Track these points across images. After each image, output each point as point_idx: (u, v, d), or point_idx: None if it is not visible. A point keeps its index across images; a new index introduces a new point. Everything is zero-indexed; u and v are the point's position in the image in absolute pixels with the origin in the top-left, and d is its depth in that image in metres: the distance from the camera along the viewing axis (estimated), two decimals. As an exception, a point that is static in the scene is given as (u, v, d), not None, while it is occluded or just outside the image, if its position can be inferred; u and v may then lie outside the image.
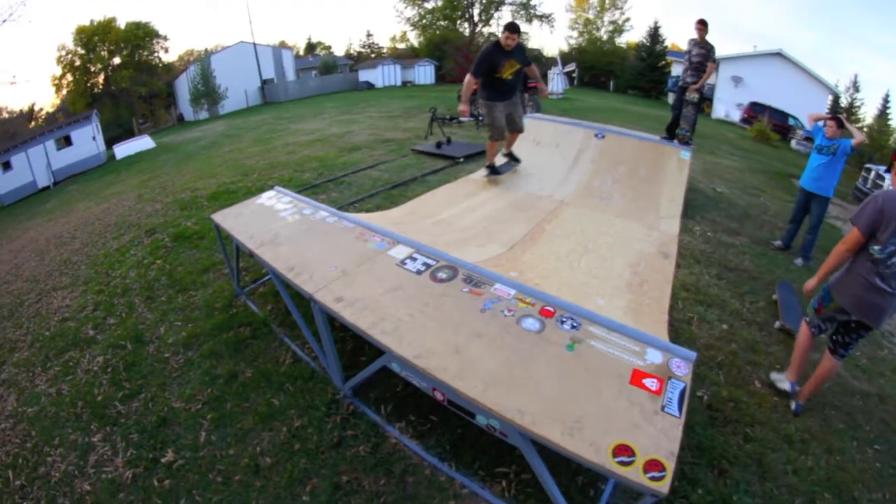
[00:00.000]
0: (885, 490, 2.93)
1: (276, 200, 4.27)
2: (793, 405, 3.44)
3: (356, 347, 3.60)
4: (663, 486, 1.68)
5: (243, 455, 2.85)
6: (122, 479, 2.77)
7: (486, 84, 5.63)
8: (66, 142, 20.96)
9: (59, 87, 36.69)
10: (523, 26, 44.20)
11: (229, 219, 4.05)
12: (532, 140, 6.67)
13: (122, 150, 20.45)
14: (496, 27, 45.04)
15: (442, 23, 46.04)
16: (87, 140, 21.66)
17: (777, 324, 4.37)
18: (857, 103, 42.95)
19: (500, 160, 6.29)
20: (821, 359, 3.44)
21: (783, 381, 3.58)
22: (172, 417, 3.18)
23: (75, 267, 6.02)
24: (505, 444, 2.29)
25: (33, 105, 41.33)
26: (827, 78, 28.41)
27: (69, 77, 35.77)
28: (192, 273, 5.03)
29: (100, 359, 3.87)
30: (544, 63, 35.00)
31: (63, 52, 35.12)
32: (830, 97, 29.49)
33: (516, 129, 6.12)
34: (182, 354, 3.80)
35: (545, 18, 44.41)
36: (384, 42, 62.25)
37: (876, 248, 2.81)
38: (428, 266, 3.01)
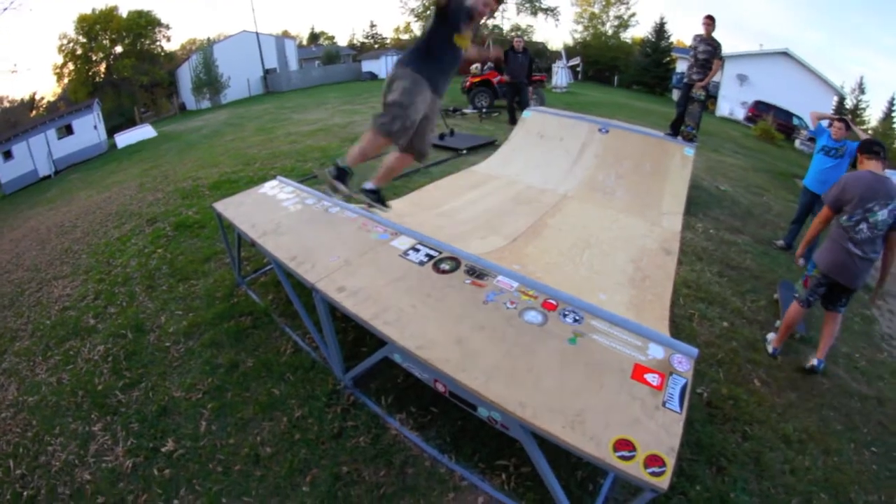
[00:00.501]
0: (881, 492, 2.94)
1: (278, 190, 4.26)
2: (815, 361, 3.83)
3: (357, 338, 3.59)
4: (663, 482, 1.68)
5: (243, 445, 2.86)
6: (122, 468, 2.78)
7: (429, 42, 3.51)
8: (68, 131, 21.02)
9: (60, 76, 36.64)
10: (528, 20, 43.78)
11: (231, 208, 4.03)
12: (536, 133, 6.66)
13: (124, 138, 20.40)
14: (500, 20, 44.75)
15: (446, 14, 45.72)
16: (89, 129, 21.69)
17: (778, 323, 4.37)
18: (863, 105, 42.89)
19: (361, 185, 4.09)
20: (824, 323, 3.96)
21: (769, 344, 4.10)
22: (173, 407, 3.18)
23: (76, 256, 6.02)
24: (504, 437, 2.29)
25: (34, 94, 41.41)
26: (832, 78, 28.37)
27: (70, 66, 35.70)
28: (193, 262, 5.02)
29: (100, 348, 3.87)
30: (548, 57, 34.83)
31: (64, 41, 35.07)
32: (836, 98, 29.39)
33: (419, 150, 3.97)
34: (183, 344, 3.80)
35: (550, 12, 43.99)
36: (388, 33, 62.05)
37: (843, 217, 3.52)
38: (430, 257, 3.00)
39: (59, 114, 22.80)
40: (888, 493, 2.94)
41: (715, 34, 7.37)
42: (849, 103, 39.84)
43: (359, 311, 2.53)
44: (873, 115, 43.78)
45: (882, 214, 3.36)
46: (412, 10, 45.83)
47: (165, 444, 2.89)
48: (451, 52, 3.57)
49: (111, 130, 24.42)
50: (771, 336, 4.20)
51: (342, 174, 3.77)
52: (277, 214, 3.76)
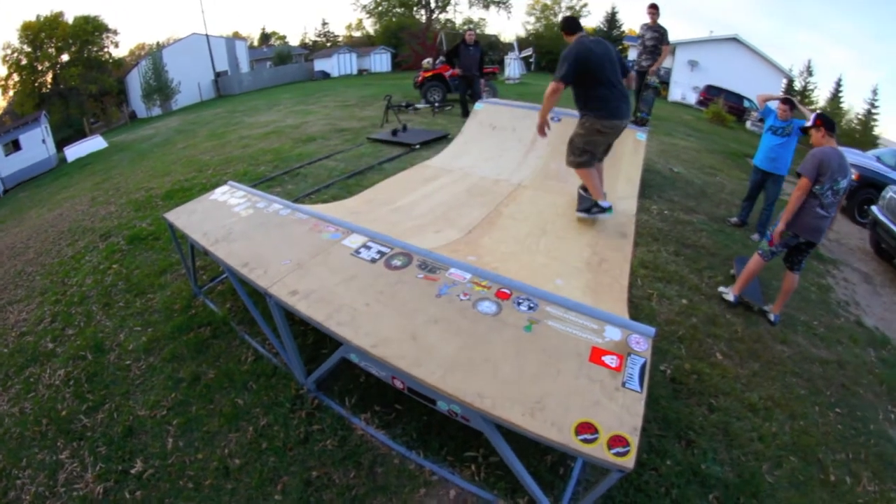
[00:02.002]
0: (848, 450, 3.09)
1: (229, 195, 4.18)
2: (771, 317, 4.36)
3: (317, 341, 3.57)
4: (628, 461, 1.71)
5: (212, 458, 2.81)
6: (93, 494, 2.70)
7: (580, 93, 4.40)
8: (15, 146, 20.16)
9: (4, 89, 35.08)
10: (480, 13, 44.06)
11: (182, 217, 3.94)
12: (489, 125, 6.67)
13: (74, 151, 19.66)
14: (453, 14, 44.86)
15: (398, 10, 45.62)
16: (37, 143, 20.90)
17: (732, 272, 4.54)
18: (811, 87, 44.48)
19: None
20: (783, 280, 4.35)
21: (728, 294, 4.54)
22: (138, 426, 3.11)
23: (30, 278, 5.79)
24: (471, 429, 2.30)
25: (-22, 109, 39.58)
26: (781, 62, 29.19)
27: (15, 77, 34.20)
28: (149, 276, 4.89)
29: (61, 372, 3.73)
30: (500, 49, 34.98)
31: (8, 51, 33.56)
32: (785, 80, 30.24)
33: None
34: (143, 360, 3.70)
35: (502, 4, 44.36)
36: (340, 30, 61.60)
37: (817, 187, 3.97)
38: (382, 254, 2.99)
39: (4, 129, 21.80)
40: (854, 450, 3.10)
41: (664, 22, 7.55)
42: (797, 85, 41.13)
43: (312, 314, 2.51)
44: (821, 96, 45.48)
45: (843, 183, 3.98)
46: (364, 6, 45.64)
47: (134, 465, 2.82)
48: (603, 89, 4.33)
49: (60, 143, 23.52)
50: (724, 289, 4.65)
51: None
52: (229, 220, 3.69)
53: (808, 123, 4.32)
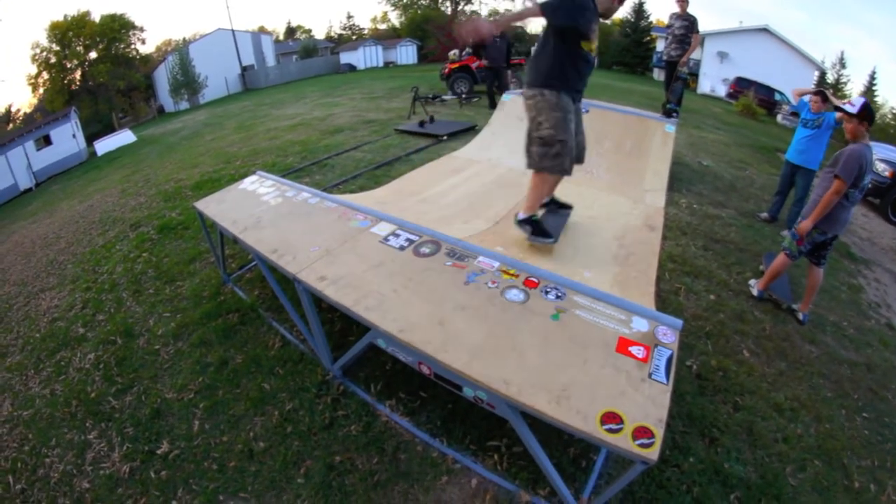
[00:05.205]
0: (873, 457, 3.00)
1: (258, 185, 4.23)
2: (800, 316, 4.26)
3: (344, 328, 3.59)
4: (653, 453, 1.68)
5: (237, 441, 2.85)
6: (119, 473, 2.76)
7: (559, 57, 3.13)
8: (46, 141, 20.71)
9: (35, 86, 35.96)
10: (505, 3, 43.89)
11: (212, 205, 4.00)
12: (516, 116, 6.60)
13: (103, 145, 20.14)
14: (478, 5, 44.71)
15: (423, 2, 45.72)
16: (67, 138, 21.41)
17: (762, 268, 4.48)
18: (844, 79, 43.48)
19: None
20: (808, 277, 4.30)
21: (753, 288, 4.53)
22: (166, 408, 3.17)
23: (62, 266, 5.94)
24: (495, 418, 2.30)
25: (10, 106, 40.58)
26: (813, 54, 28.55)
27: (45, 75, 35.06)
28: (178, 264, 4.99)
29: (91, 356, 3.83)
30: (528, 40, 34.75)
31: (37, 50, 34.37)
32: (817, 73, 29.61)
33: (579, 158, 3.70)
34: (172, 345, 3.77)
35: (528, -2, 44.05)
36: (365, 23, 61.76)
37: (851, 189, 3.87)
38: (411, 241, 3.00)
39: (36, 125, 22.40)
40: (880, 457, 3.01)
41: (691, 11, 7.42)
42: (830, 78, 40.28)
43: (340, 299, 2.53)
44: (854, 89, 44.42)
45: (868, 178, 3.91)
46: (388, -1, 45.76)
47: (160, 447, 2.88)
48: (583, 61, 3.25)
49: (90, 138, 24.07)
50: (753, 282, 4.59)
51: (536, 227, 3.50)
52: (258, 209, 3.73)
53: (853, 110, 3.92)
